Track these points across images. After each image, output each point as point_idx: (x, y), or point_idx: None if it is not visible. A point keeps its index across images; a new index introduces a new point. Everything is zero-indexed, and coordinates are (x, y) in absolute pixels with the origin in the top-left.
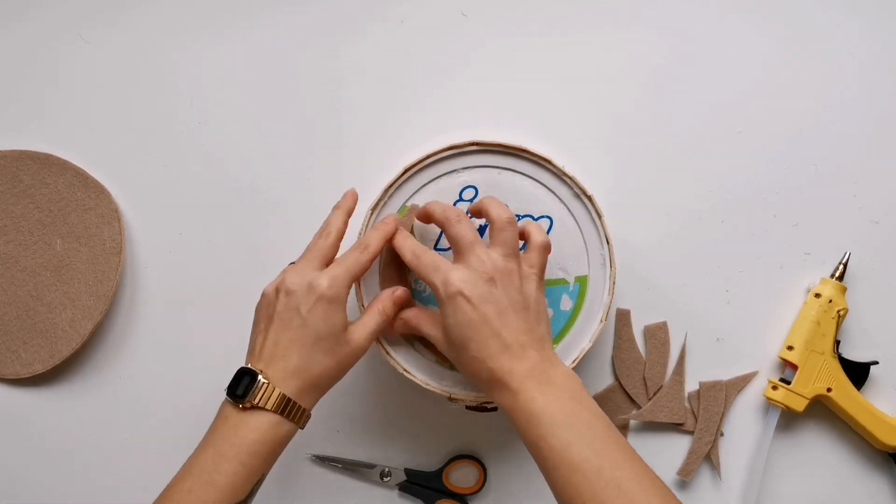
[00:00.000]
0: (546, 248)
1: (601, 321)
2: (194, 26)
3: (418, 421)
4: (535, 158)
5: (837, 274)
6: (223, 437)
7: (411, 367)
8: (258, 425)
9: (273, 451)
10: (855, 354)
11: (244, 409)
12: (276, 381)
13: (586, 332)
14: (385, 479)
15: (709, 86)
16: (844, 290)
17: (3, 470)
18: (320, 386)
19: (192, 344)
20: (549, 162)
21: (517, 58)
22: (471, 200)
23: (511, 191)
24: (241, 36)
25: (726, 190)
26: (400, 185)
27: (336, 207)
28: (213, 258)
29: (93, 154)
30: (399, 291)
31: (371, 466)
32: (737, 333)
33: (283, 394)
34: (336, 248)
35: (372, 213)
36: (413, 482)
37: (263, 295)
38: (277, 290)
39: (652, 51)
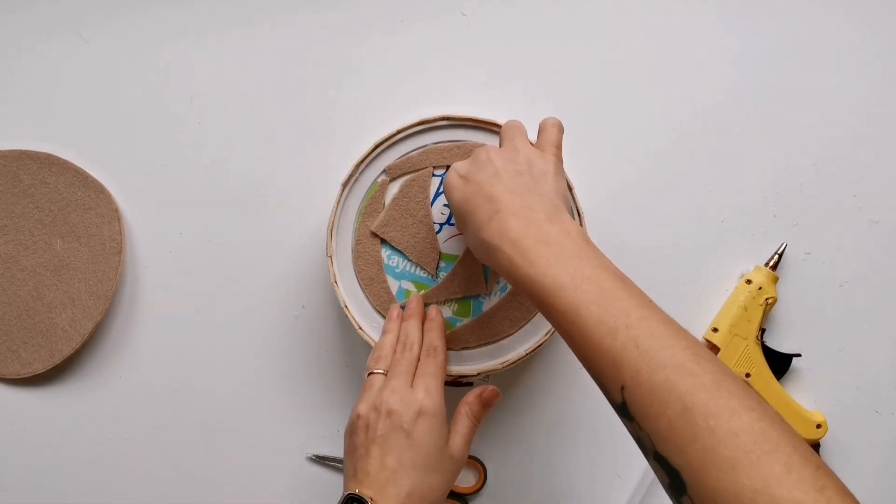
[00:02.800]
0: (557, 126)
1: None
2: (194, 26)
3: None
4: None
5: (771, 263)
6: None
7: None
8: None
9: None
10: (780, 345)
11: None
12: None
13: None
14: None
15: (709, 86)
16: (776, 279)
17: (3, 470)
18: None
19: (192, 344)
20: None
21: (513, 55)
22: (441, 176)
23: None
24: (241, 36)
25: (726, 190)
26: (371, 160)
27: (408, 317)
28: (213, 258)
29: (93, 154)
30: (487, 392)
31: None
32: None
33: None
34: (418, 359)
35: (343, 189)
36: None
37: (358, 416)
38: (377, 411)
39: (650, 51)
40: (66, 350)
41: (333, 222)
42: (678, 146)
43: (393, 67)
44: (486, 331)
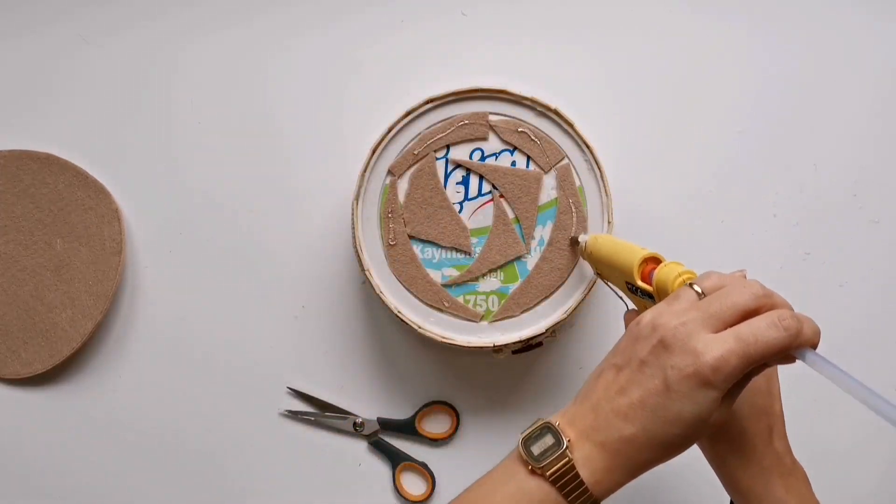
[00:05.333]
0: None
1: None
2: (194, 27)
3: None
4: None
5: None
6: (498, 489)
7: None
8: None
9: None
10: None
11: (532, 472)
12: (580, 456)
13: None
14: (358, 429)
15: (708, 86)
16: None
17: (4, 470)
18: (635, 472)
19: (191, 344)
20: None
21: (519, 59)
22: (443, 158)
23: None
24: (241, 36)
25: (726, 190)
26: (373, 165)
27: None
28: (212, 258)
29: (93, 154)
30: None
31: (344, 416)
32: None
33: (581, 478)
34: (748, 315)
35: (356, 203)
36: (386, 431)
37: (638, 322)
38: (654, 328)
39: (650, 50)
40: (66, 350)
41: (358, 238)
42: (677, 146)
43: (393, 67)
44: (538, 288)
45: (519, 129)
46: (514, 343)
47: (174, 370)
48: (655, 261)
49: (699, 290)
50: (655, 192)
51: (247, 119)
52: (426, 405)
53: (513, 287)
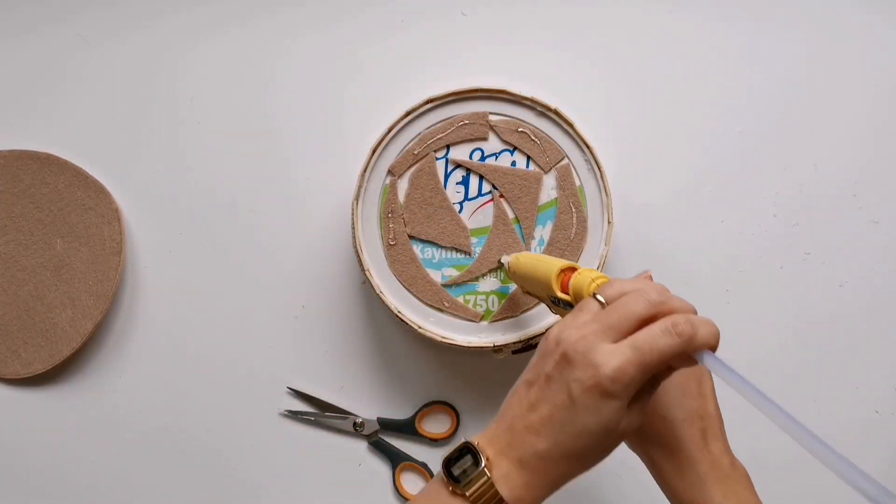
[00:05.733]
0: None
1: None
2: (195, 27)
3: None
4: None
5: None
6: None
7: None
8: None
9: None
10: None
11: (453, 493)
12: (499, 474)
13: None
14: (358, 429)
15: (708, 86)
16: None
17: (4, 470)
18: (554, 486)
19: (191, 343)
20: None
21: (520, 61)
22: (443, 158)
23: None
24: (241, 36)
25: (726, 190)
26: (373, 165)
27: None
28: (213, 258)
29: (93, 154)
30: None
31: (344, 416)
32: (735, 334)
33: (501, 496)
34: (646, 323)
35: (356, 203)
36: (386, 431)
37: (546, 337)
38: (558, 343)
39: (650, 50)
40: (66, 350)
41: (358, 238)
42: (677, 146)
43: (393, 67)
44: None
45: (519, 129)
46: (514, 343)
47: (174, 370)
48: (573, 270)
49: (602, 300)
50: (655, 191)
51: (247, 119)
52: (426, 405)
53: (513, 287)
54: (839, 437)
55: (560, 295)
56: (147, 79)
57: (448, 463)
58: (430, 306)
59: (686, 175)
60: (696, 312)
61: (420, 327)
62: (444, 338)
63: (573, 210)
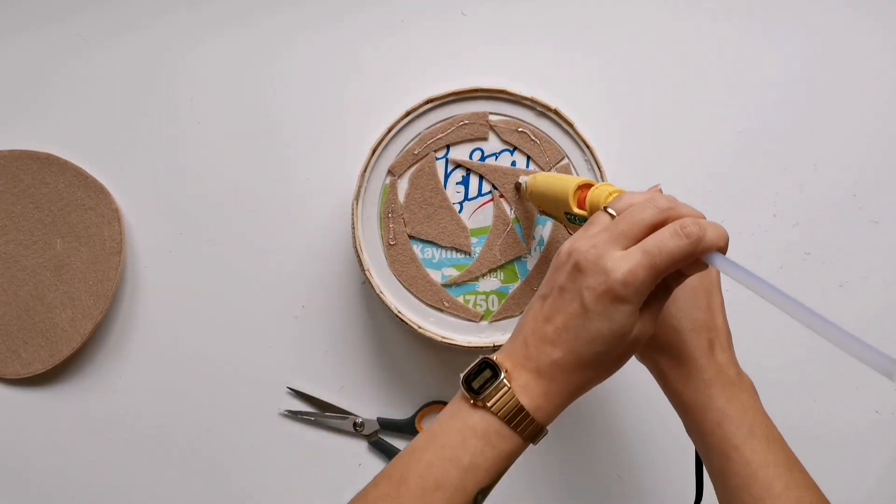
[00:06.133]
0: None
1: None
2: (194, 28)
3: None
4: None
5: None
6: (445, 428)
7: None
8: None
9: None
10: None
11: (475, 406)
12: (518, 385)
13: None
14: (358, 429)
15: (708, 86)
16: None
17: (4, 470)
18: (572, 395)
19: (191, 344)
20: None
21: (520, 61)
22: (443, 158)
23: None
24: (241, 36)
25: (726, 190)
26: (373, 165)
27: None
28: (213, 258)
29: (93, 154)
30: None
31: (344, 416)
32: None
33: (521, 404)
34: (650, 233)
35: (357, 203)
36: (386, 431)
37: (559, 252)
38: (570, 254)
39: (650, 50)
40: (66, 350)
41: (358, 238)
42: (677, 146)
43: (393, 67)
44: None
45: (519, 129)
46: None
47: (174, 370)
48: (589, 187)
49: (612, 213)
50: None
51: (247, 119)
52: (426, 405)
53: (513, 287)
54: (839, 437)
55: (577, 211)
56: (147, 79)
57: (467, 378)
58: (430, 306)
59: (686, 175)
60: (704, 218)
61: (420, 327)
62: (444, 338)
63: None
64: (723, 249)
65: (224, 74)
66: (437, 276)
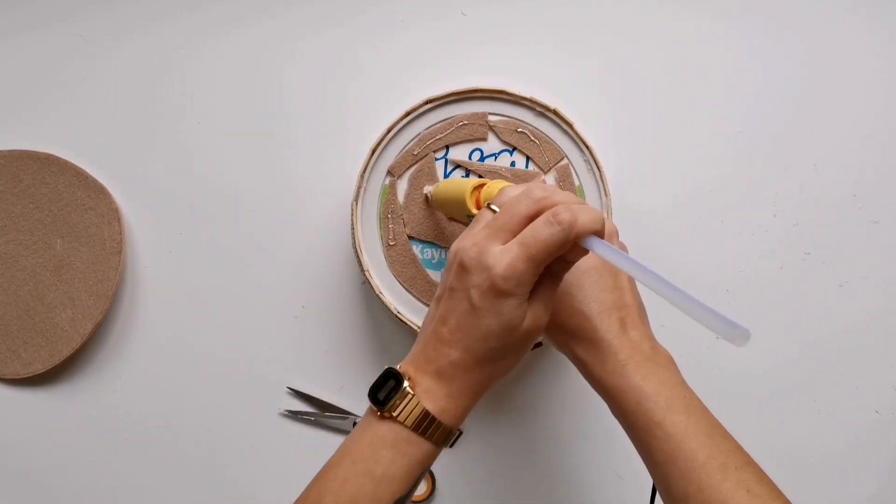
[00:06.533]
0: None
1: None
2: (194, 27)
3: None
4: (490, 93)
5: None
6: (356, 442)
7: (405, 310)
8: (390, 440)
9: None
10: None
11: (382, 417)
12: (421, 390)
13: None
14: None
15: (708, 86)
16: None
17: (4, 470)
18: (477, 394)
19: (191, 343)
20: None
21: (520, 61)
22: (442, 158)
23: None
24: (241, 36)
25: (726, 190)
26: (372, 165)
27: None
28: (213, 258)
29: (93, 154)
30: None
31: (344, 416)
32: None
33: (426, 410)
34: (527, 224)
35: (356, 203)
36: None
37: (449, 252)
38: (455, 254)
39: (650, 50)
40: (66, 350)
41: (358, 238)
42: (677, 146)
43: (393, 67)
44: None
45: (518, 130)
46: None
47: (174, 370)
48: (483, 186)
49: (495, 209)
50: (655, 192)
51: (247, 119)
52: None
53: None
54: (839, 438)
55: (475, 212)
56: (147, 79)
57: (374, 390)
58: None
59: (686, 175)
60: (583, 204)
61: (420, 327)
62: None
63: None
64: (599, 233)
65: (224, 75)
66: (437, 276)
